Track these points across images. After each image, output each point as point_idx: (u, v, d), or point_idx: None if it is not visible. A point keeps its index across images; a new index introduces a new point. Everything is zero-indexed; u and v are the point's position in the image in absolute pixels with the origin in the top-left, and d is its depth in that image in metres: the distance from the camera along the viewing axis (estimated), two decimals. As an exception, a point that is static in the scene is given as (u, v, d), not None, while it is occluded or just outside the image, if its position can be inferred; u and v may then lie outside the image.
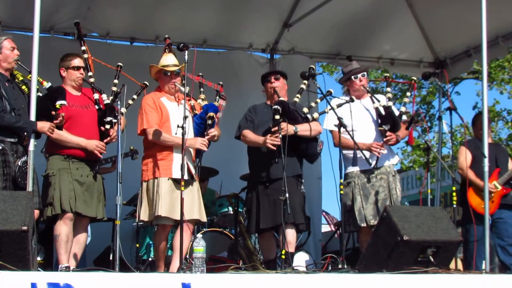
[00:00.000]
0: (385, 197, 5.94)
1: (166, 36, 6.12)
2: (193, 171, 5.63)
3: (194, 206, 5.59)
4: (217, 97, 6.06)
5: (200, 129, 5.66)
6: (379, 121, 6.07)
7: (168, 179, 5.52)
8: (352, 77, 6.19)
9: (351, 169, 6.02)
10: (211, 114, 5.62)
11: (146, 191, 5.60)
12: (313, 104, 6.11)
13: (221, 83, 6.19)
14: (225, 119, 6.09)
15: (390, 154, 6.14)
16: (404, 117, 6.26)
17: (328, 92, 5.97)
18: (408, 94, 6.52)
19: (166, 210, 5.44)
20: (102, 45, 8.08)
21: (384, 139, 6.00)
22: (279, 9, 8.42)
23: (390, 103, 6.18)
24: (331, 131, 6.07)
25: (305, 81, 6.07)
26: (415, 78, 6.74)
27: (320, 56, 9.24)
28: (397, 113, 6.18)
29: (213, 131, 5.64)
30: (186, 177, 5.41)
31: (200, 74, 6.01)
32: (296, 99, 6.04)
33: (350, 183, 5.98)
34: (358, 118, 6.07)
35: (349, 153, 6.02)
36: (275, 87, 6.05)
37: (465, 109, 25.99)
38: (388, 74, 6.68)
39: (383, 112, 6.03)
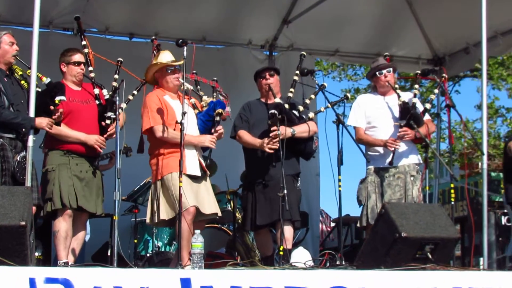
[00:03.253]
0: (400, 197, 5.89)
1: (154, 37, 6.16)
2: (204, 166, 5.61)
3: (211, 201, 5.60)
4: (214, 94, 6.04)
5: (207, 126, 5.65)
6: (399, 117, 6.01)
7: (183, 175, 5.35)
8: (377, 73, 6.16)
9: (370, 165, 6.02)
10: (220, 110, 5.60)
11: (162, 189, 5.46)
12: (307, 101, 6.10)
13: (215, 78, 6.17)
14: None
15: (410, 153, 6.04)
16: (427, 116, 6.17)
17: (322, 85, 5.95)
18: (436, 91, 6.48)
19: (193, 200, 5.38)
20: (101, 41, 8.05)
21: (398, 134, 5.90)
22: (278, 5, 8.41)
23: (416, 100, 6.08)
24: (354, 127, 6.07)
25: (297, 72, 6.06)
26: (445, 75, 6.54)
27: (319, 53, 9.24)
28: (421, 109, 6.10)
29: (221, 128, 5.63)
30: (199, 173, 5.50)
31: (194, 71, 5.98)
32: (290, 94, 6.03)
33: (367, 179, 5.98)
34: (379, 114, 6.07)
35: (371, 150, 6.02)
36: (270, 84, 6.03)
37: (466, 107, 26.04)
38: (419, 71, 6.60)
39: (400, 108, 5.97)
